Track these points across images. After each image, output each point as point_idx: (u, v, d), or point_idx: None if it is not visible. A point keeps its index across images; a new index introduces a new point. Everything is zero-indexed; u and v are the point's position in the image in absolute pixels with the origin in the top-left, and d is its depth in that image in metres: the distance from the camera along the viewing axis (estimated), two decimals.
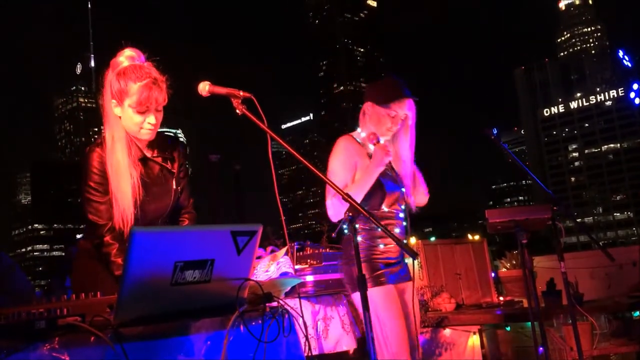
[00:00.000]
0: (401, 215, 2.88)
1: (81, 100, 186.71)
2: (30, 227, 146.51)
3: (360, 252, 2.74)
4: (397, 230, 2.84)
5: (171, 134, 2.57)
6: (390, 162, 2.90)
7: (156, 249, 1.42)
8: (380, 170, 2.73)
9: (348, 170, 2.79)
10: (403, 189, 2.89)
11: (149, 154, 2.41)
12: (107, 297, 1.64)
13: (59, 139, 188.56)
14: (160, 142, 2.44)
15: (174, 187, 2.43)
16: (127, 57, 2.32)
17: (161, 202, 2.39)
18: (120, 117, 2.31)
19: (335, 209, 2.72)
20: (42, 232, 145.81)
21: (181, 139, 2.64)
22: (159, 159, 2.42)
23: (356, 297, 2.77)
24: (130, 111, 2.27)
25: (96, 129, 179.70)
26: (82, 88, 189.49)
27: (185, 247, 1.48)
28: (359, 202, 2.63)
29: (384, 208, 2.82)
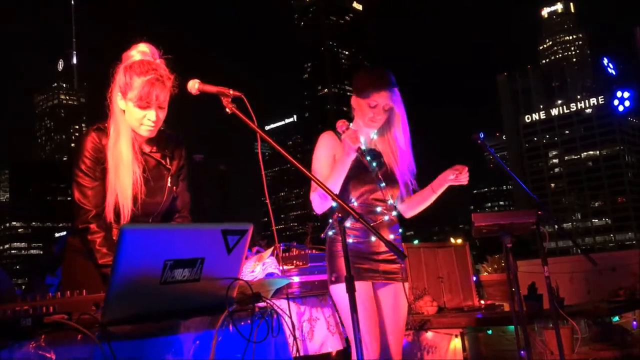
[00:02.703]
0: (378, 209, 2.81)
1: (62, 97, 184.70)
2: (8, 224, 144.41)
3: (334, 246, 2.77)
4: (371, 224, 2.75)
5: (176, 135, 2.52)
6: (380, 156, 2.87)
7: (146, 246, 1.41)
8: (351, 157, 2.64)
9: (327, 164, 2.79)
10: (382, 184, 2.82)
11: (146, 150, 2.39)
12: (93, 295, 1.62)
13: (39, 136, 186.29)
14: (161, 140, 2.42)
15: (169, 184, 2.41)
16: (139, 51, 2.32)
17: (152, 198, 2.35)
18: (124, 111, 2.29)
19: (318, 203, 2.72)
20: (20, 230, 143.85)
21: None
22: (157, 155, 2.40)
23: (332, 289, 2.77)
24: (132, 105, 2.25)
25: (77, 127, 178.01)
26: (64, 85, 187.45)
27: (175, 246, 1.46)
28: (336, 193, 2.63)
29: (353, 201, 2.78)
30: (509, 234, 3.05)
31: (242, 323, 1.67)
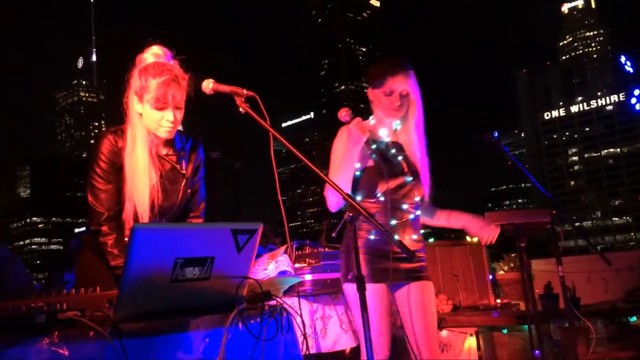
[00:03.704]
0: (404, 206, 2.72)
1: (82, 94, 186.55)
2: (28, 220, 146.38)
3: (352, 245, 2.73)
4: (392, 222, 2.68)
5: (194, 135, 2.54)
6: (401, 147, 2.81)
7: (157, 245, 1.43)
8: (358, 147, 2.55)
9: (336, 161, 2.71)
10: (409, 178, 2.74)
11: (163, 152, 2.40)
12: (106, 293, 1.65)
13: (59, 132, 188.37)
14: (178, 142, 2.44)
15: (183, 188, 2.42)
16: (152, 54, 2.34)
17: (167, 201, 2.38)
18: (141, 115, 2.31)
19: (332, 199, 2.65)
20: (40, 226, 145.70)
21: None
22: (173, 158, 2.41)
23: (345, 287, 2.74)
24: (148, 107, 2.27)
25: (97, 123, 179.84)
26: (84, 82, 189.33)
27: (186, 244, 1.48)
28: (348, 186, 2.62)
29: (380, 197, 2.69)
30: (523, 234, 3.02)
31: (252, 321, 1.68)
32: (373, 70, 2.82)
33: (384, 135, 2.82)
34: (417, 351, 2.69)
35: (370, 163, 2.70)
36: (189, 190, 2.45)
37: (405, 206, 2.74)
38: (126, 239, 2.28)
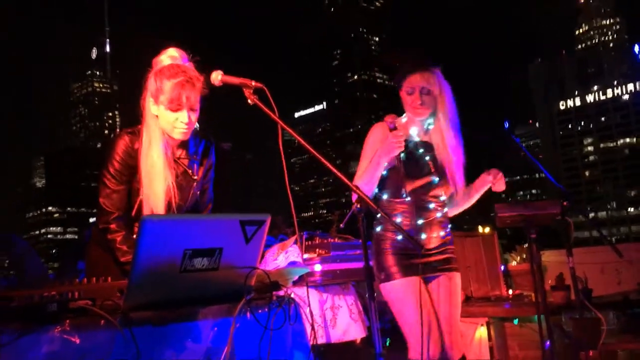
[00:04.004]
0: (431, 206, 2.73)
1: (96, 85, 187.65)
2: (44, 209, 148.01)
3: (382, 243, 2.74)
4: (419, 222, 2.70)
5: (207, 136, 2.55)
6: (430, 147, 2.80)
7: (166, 236, 1.45)
8: (388, 157, 2.60)
9: (367, 157, 2.74)
10: (436, 179, 2.76)
11: (177, 154, 2.43)
12: (117, 282, 1.67)
13: (73, 123, 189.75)
14: (192, 145, 2.46)
15: (193, 192, 2.45)
16: (168, 56, 2.36)
17: (181, 202, 2.40)
18: (157, 117, 2.33)
19: (364, 188, 2.63)
20: (55, 215, 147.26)
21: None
22: (185, 162, 2.43)
23: (381, 287, 2.74)
24: (163, 108, 2.29)
25: (110, 114, 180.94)
26: (97, 73, 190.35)
27: (195, 235, 1.50)
28: (372, 188, 2.66)
29: (405, 197, 2.72)
30: (533, 225, 3.01)
31: (260, 311, 1.70)
32: (396, 69, 2.84)
33: (415, 134, 2.82)
34: (438, 338, 2.69)
35: (397, 163, 2.72)
36: (198, 193, 2.47)
37: (431, 205, 2.76)
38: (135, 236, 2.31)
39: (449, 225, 2.88)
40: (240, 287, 1.61)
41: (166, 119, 2.30)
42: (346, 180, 2.01)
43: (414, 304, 2.61)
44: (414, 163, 2.74)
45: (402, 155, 2.71)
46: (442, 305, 2.74)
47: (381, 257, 2.72)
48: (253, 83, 2.14)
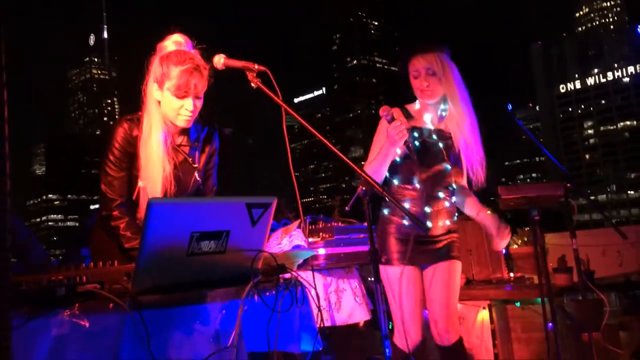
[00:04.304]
0: (441, 194, 2.75)
1: (94, 71, 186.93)
2: (44, 197, 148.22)
3: (387, 227, 2.77)
4: (427, 210, 2.72)
5: (210, 121, 2.53)
6: (447, 137, 2.80)
7: (173, 219, 1.45)
8: (394, 149, 2.59)
9: (376, 148, 2.75)
10: (448, 166, 2.76)
11: (177, 141, 2.41)
12: (124, 266, 1.68)
13: (72, 110, 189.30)
14: (193, 132, 2.43)
15: (194, 180, 2.43)
16: (173, 42, 2.33)
17: (178, 191, 2.38)
18: (159, 102, 2.31)
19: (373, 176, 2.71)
20: (56, 203, 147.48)
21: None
22: (186, 149, 2.42)
23: (381, 269, 2.74)
24: (169, 95, 2.27)
25: (109, 101, 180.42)
26: (95, 59, 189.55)
27: (201, 218, 1.50)
28: (379, 179, 2.66)
29: (416, 184, 2.74)
30: (537, 207, 3.02)
31: (267, 293, 1.71)
32: (401, 57, 2.86)
33: (428, 120, 2.81)
34: (436, 327, 2.74)
35: (410, 151, 2.69)
36: (199, 181, 2.45)
37: (441, 194, 2.77)
38: (138, 222, 2.31)
39: (456, 214, 2.88)
40: (247, 270, 1.62)
41: (171, 106, 2.28)
42: (350, 163, 2.00)
43: (406, 293, 2.68)
44: (426, 151, 2.74)
45: (416, 143, 2.71)
46: (438, 291, 2.76)
47: (385, 240, 2.76)
48: (256, 66, 2.13)
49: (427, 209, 2.74)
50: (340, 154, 2.03)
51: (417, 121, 2.79)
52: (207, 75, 2.31)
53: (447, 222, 2.80)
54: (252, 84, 2.11)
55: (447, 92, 2.75)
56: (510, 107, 3.09)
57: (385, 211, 2.81)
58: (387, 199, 2.69)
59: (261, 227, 1.64)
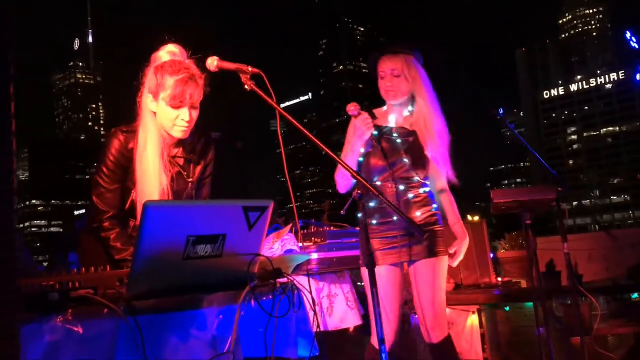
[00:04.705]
0: (401, 187, 2.77)
1: (79, 76, 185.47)
2: (28, 203, 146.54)
3: (365, 229, 2.79)
4: (411, 197, 2.79)
5: (206, 132, 2.50)
6: (410, 134, 2.84)
7: (169, 222, 1.43)
8: (362, 140, 2.70)
9: (347, 143, 2.84)
10: (405, 160, 2.79)
11: (173, 152, 2.37)
12: (117, 271, 1.65)
13: (56, 115, 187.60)
14: (189, 142, 2.40)
15: (188, 192, 2.40)
16: (168, 52, 2.31)
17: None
18: (155, 114, 2.27)
19: (340, 182, 2.80)
20: (40, 209, 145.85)
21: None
22: (181, 161, 2.38)
23: (362, 271, 2.83)
24: (164, 105, 2.23)
25: (94, 106, 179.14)
26: (80, 64, 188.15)
27: (198, 222, 1.48)
28: (350, 177, 2.66)
29: (375, 179, 2.78)
30: (529, 211, 3.02)
31: (264, 298, 1.69)
32: (369, 59, 2.93)
33: (392, 121, 2.88)
34: (424, 325, 2.74)
35: (372, 149, 2.79)
36: (193, 193, 2.43)
37: (402, 187, 2.79)
38: (131, 232, 2.29)
39: (434, 205, 2.88)
40: (244, 275, 1.59)
41: (167, 116, 2.25)
42: (345, 165, 1.99)
43: (383, 294, 2.66)
44: (386, 148, 2.80)
45: (376, 141, 2.78)
46: (424, 289, 2.77)
47: (361, 242, 2.77)
48: (250, 69, 2.11)
49: (395, 203, 2.77)
50: (335, 156, 2.02)
51: (380, 121, 2.87)
52: (202, 84, 2.28)
53: (418, 214, 2.80)
54: (246, 87, 2.09)
55: (415, 93, 2.83)
56: (501, 112, 3.10)
57: (360, 215, 2.83)
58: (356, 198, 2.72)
59: (258, 230, 1.62)
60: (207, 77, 2.30)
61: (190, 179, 2.40)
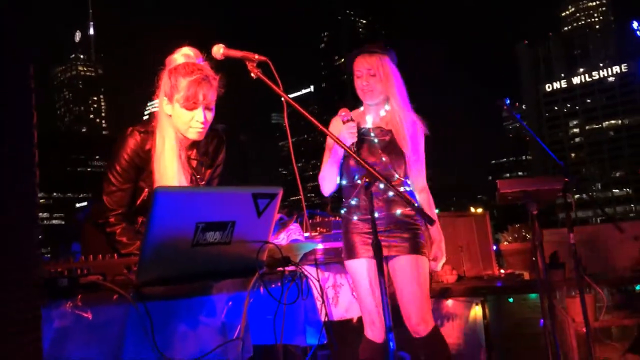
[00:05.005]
0: (382, 186, 2.77)
1: (80, 68, 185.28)
2: None
3: (347, 224, 2.84)
4: (389, 195, 2.80)
5: (219, 133, 2.48)
6: (387, 133, 2.87)
7: (178, 209, 1.42)
8: (340, 150, 2.77)
9: (327, 149, 2.91)
10: (383, 158, 2.82)
11: (187, 154, 2.36)
12: (124, 259, 1.65)
13: (58, 107, 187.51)
14: (202, 144, 2.39)
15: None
16: (182, 54, 2.30)
17: None
18: (170, 116, 2.27)
19: (326, 186, 2.89)
20: (42, 201, 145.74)
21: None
22: (194, 163, 2.37)
23: (346, 264, 2.87)
24: (178, 107, 2.23)
25: (95, 98, 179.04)
26: (81, 56, 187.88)
27: (207, 208, 1.48)
28: (334, 179, 2.84)
29: (356, 179, 2.81)
30: (535, 201, 3.01)
31: (273, 285, 1.68)
32: (347, 60, 2.97)
33: (369, 121, 2.92)
34: (409, 320, 2.77)
35: (351, 150, 2.75)
36: None
37: (382, 185, 2.78)
38: (138, 227, 2.29)
39: (414, 204, 2.88)
40: (253, 262, 1.59)
41: (181, 118, 2.24)
42: (353, 154, 1.98)
43: (367, 285, 2.75)
44: (364, 147, 2.83)
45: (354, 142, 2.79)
46: (406, 285, 2.78)
47: (347, 237, 2.84)
48: (256, 56, 2.09)
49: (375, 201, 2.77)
50: (345, 146, 2.00)
51: (358, 124, 2.87)
52: (216, 85, 2.27)
53: (398, 212, 2.81)
54: (252, 74, 2.07)
55: (388, 92, 2.86)
56: (507, 101, 3.08)
57: (343, 211, 2.89)
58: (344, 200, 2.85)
59: (267, 217, 1.61)
60: (221, 79, 2.29)
61: (202, 182, 2.41)
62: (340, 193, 2.95)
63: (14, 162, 0.81)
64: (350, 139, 2.69)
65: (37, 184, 0.90)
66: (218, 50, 2.15)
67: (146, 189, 2.30)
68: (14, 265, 0.84)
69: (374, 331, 2.77)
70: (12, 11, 0.89)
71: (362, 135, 2.85)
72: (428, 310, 2.83)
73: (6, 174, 0.80)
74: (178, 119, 2.25)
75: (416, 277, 2.79)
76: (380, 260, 1.92)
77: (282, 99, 2.16)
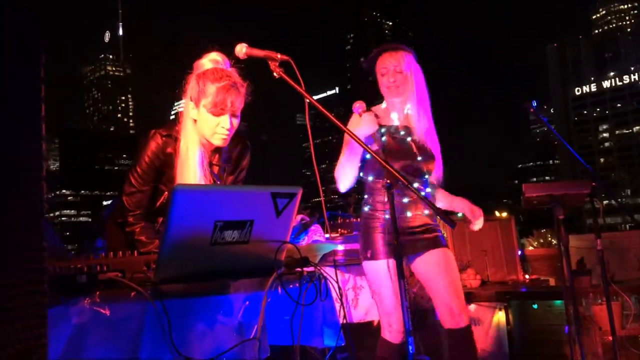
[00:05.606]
0: (414, 185, 2.74)
1: (109, 68, 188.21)
2: (58, 192, 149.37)
3: (370, 222, 2.78)
4: (404, 200, 2.75)
5: (243, 138, 2.48)
6: (411, 130, 2.84)
7: (197, 207, 1.41)
8: (364, 136, 2.66)
9: (345, 145, 2.83)
10: (419, 158, 2.79)
11: (210, 158, 2.36)
12: (144, 256, 1.65)
13: (86, 106, 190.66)
14: (225, 150, 2.39)
15: None
16: (210, 60, 2.30)
17: None
18: (195, 121, 2.27)
19: (344, 182, 2.81)
20: (69, 198, 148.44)
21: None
22: (216, 169, 2.37)
23: (365, 265, 2.79)
24: (205, 112, 2.23)
25: (123, 97, 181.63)
26: (110, 56, 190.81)
27: (226, 207, 1.47)
28: (352, 176, 2.76)
29: (385, 179, 2.77)
30: (561, 206, 2.95)
31: (291, 286, 1.67)
32: (369, 57, 2.93)
33: (395, 118, 2.87)
34: (449, 309, 2.69)
35: (378, 146, 2.74)
36: None
37: (415, 184, 2.76)
38: (158, 227, 2.31)
39: (436, 207, 2.85)
40: (271, 261, 1.58)
41: (207, 124, 2.24)
42: (375, 155, 1.96)
43: (391, 287, 2.68)
44: (395, 145, 2.78)
45: (383, 139, 2.75)
46: (442, 276, 2.74)
47: (369, 236, 2.76)
48: (279, 56, 2.09)
49: (404, 199, 2.75)
50: (366, 147, 1.98)
51: (383, 120, 2.84)
52: (244, 92, 2.27)
53: (426, 212, 2.80)
54: (275, 74, 2.06)
55: (411, 91, 2.83)
56: (535, 104, 3.03)
57: (366, 208, 2.82)
58: (365, 197, 2.76)
59: (286, 217, 1.60)
60: (249, 86, 2.29)
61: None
62: (361, 191, 2.93)
63: (20, 156, 0.80)
64: (369, 129, 2.63)
65: (44, 177, 0.90)
66: (241, 49, 2.15)
67: (166, 192, 2.31)
68: (15, 265, 0.83)
69: (392, 333, 2.75)
70: None
71: (393, 134, 2.81)
72: (464, 300, 2.79)
73: (11, 167, 0.80)
74: (203, 124, 2.25)
75: (450, 268, 2.76)
76: (401, 262, 1.90)
77: (305, 98, 2.15)
